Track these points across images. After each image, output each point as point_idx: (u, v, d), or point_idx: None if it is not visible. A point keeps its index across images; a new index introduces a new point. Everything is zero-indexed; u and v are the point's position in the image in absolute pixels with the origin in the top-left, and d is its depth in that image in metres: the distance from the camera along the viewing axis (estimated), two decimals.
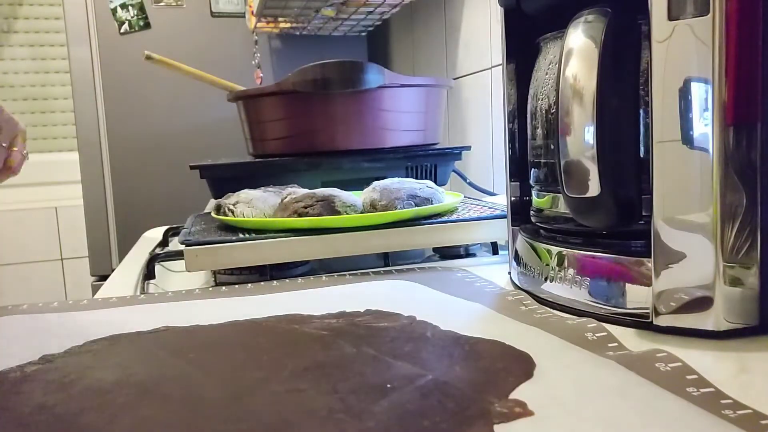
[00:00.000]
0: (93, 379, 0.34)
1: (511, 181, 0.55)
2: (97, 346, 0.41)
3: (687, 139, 0.36)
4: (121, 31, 1.45)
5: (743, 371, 0.32)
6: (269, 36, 1.55)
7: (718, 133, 0.35)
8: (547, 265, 0.46)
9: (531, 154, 0.51)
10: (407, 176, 0.90)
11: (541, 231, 0.50)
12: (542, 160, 0.48)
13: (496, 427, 0.26)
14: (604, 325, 0.38)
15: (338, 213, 0.63)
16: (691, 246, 0.36)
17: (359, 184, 0.74)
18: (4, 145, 0.53)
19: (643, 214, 0.40)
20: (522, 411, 0.27)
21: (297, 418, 0.28)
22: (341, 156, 0.89)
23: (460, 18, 1.26)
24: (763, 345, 0.36)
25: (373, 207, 0.66)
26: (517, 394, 0.29)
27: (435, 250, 0.71)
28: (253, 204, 0.68)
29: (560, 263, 0.44)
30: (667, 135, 0.36)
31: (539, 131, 0.48)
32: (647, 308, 0.38)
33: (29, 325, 0.47)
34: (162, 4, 1.47)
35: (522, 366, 0.33)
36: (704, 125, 0.35)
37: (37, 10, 2.26)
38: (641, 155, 0.40)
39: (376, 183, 0.69)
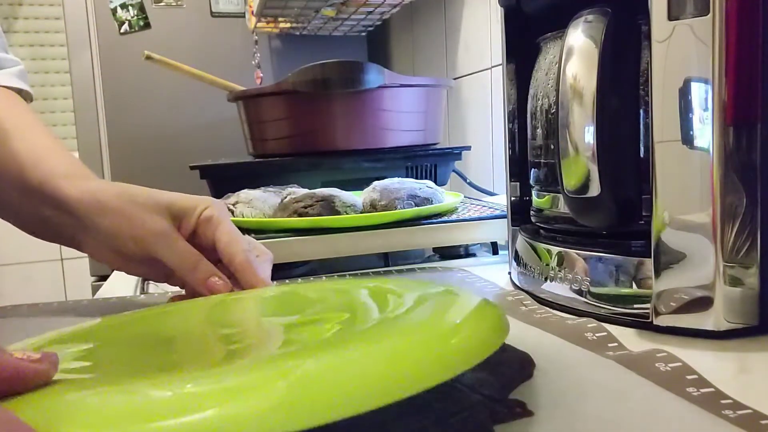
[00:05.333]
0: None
1: (511, 181, 0.55)
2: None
3: (687, 139, 0.36)
4: (121, 31, 1.45)
5: (743, 371, 0.33)
6: (269, 36, 1.55)
7: (718, 133, 0.35)
8: (547, 265, 0.46)
9: (531, 154, 0.50)
10: (407, 176, 0.90)
11: (541, 231, 0.50)
12: (542, 160, 0.48)
13: (496, 427, 0.26)
14: (604, 325, 0.38)
15: (338, 213, 0.63)
16: (691, 246, 0.36)
17: (359, 184, 0.74)
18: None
19: (643, 214, 0.40)
20: (522, 411, 0.27)
21: None
22: (341, 156, 0.89)
23: (460, 18, 1.26)
24: (763, 345, 0.36)
25: (373, 207, 0.66)
26: (517, 394, 0.29)
27: (435, 250, 0.71)
28: (253, 204, 0.68)
29: (560, 263, 0.44)
30: (667, 135, 0.36)
31: (539, 131, 0.48)
32: (647, 308, 0.38)
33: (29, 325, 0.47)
34: (162, 4, 1.47)
35: (522, 366, 0.32)
36: (704, 125, 0.35)
37: (37, 10, 2.26)
38: (641, 155, 0.40)
39: (376, 183, 0.69)
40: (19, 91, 0.59)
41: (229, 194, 0.72)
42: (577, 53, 0.39)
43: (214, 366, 0.26)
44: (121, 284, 0.64)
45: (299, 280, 0.58)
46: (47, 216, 0.49)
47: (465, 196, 0.82)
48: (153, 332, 0.34)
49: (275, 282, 0.57)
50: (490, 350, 0.25)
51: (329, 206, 0.63)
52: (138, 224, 0.46)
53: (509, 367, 0.32)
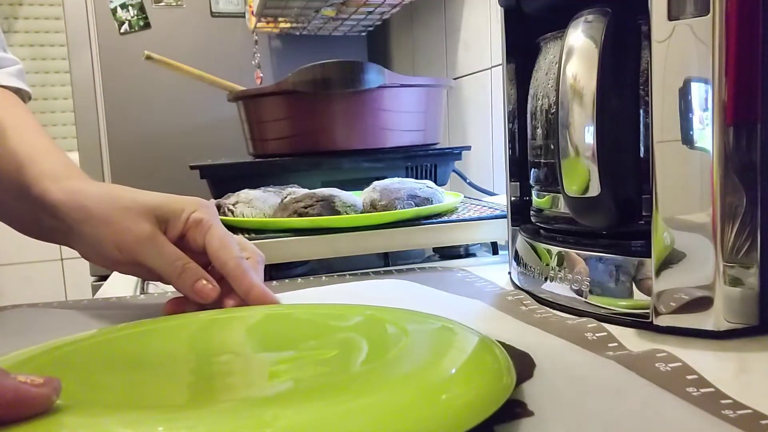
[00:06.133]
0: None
1: (511, 181, 0.55)
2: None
3: (687, 139, 0.36)
4: (121, 31, 1.46)
5: (743, 371, 0.32)
6: (269, 36, 1.55)
7: (718, 133, 0.35)
8: (547, 265, 0.46)
9: (531, 154, 0.50)
10: (407, 176, 0.90)
11: (541, 231, 0.50)
12: (542, 160, 0.48)
13: (496, 427, 0.26)
14: (604, 325, 0.38)
15: (338, 213, 0.63)
16: (691, 246, 0.36)
17: (359, 184, 0.74)
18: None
19: (643, 214, 0.40)
20: (522, 411, 0.27)
21: None
22: (341, 156, 0.89)
23: (460, 18, 1.26)
24: (763, 345, 0.36)
25: (373, 207, 0.66)
26: (517, 394, 0.29)
27: (435, 250, 0.71)
28: (253, 204, 0.68)
29: (560, 263, 0.44)
30: (667, 135, 0.36)
31: (539, 131, 0.48)
32: (647, 308, 0.38)
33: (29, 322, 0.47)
34: (162, 4, 1.47)
35: (522, 366, 0.32)
36: (704, 125, 0.35)
37: (37, 10, 2.26)
38: (641, 155, 0.40)
39: (376, 183, 0.69)
40: (18, 91, 0.59)
41: (229, 194, 0.72)
42: (577, 53, 0.39)
43: (190, 406, 0.25)
44: (121, 284, 0.64)
45: (299, 280, 0.58)
46: (40, 218, 0.48)
47: (465, 196, 0.82)
48: (135, 355, 0.33)
49: (275, 282, 0.57)
50: (489, 409, 0.24)
51: (329, 206, 0.63)
52: (121, 231, 0.45)
53: None
